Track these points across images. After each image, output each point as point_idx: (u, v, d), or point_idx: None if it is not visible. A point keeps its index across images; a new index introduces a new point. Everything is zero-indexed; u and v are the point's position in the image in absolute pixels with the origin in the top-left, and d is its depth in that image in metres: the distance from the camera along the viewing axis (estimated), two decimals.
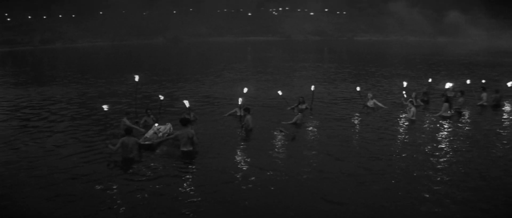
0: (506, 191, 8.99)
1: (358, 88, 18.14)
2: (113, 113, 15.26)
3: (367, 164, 10.60)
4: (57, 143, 12.10)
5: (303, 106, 16.36)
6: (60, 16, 51.64)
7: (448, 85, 18.57)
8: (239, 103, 14.22)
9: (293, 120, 14.43)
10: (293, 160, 10.81)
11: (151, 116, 14.26)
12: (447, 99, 16.19)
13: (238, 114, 14.59)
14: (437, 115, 15.71)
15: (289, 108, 16.33)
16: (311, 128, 14.20)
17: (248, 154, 11.32)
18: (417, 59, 38.83)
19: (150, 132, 12.71)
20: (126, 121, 12.99)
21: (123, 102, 17.98)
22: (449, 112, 15.79)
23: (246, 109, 13.81)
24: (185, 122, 11.59)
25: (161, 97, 15.17)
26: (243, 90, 16.43)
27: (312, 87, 17.36)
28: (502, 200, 8.54)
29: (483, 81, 21.10)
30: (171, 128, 13.13)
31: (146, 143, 11.94)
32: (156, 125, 13.23)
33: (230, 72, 28.74)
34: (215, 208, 8.11)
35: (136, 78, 14.92)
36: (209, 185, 9.11)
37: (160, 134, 12.62)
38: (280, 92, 16.89)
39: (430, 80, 20.30)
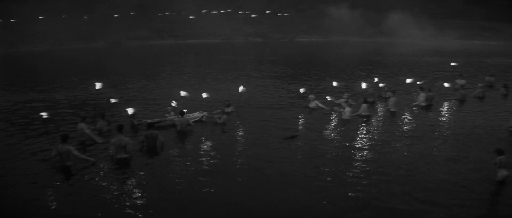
0: (433, 188, 10.01)
1: (301, 90, 18.91)
2: (67, 119, 16.03)
3: (293, 165, 11.46)
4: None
5: (229, 109, 17.68)
6: None
7: (364, 85, 19.72)
8: (173, 105, 15.37)
9: (221, 120, 15.85)
10: (220, 162, 11.72)
11: (106, 120, 14.93)
12: (366, 100, 17.62)
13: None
14: (356, 114, 16.69)
15: (214, 112, 17.02)
16: (236, 131, 15.02)
17: (182, 158, 12.25)
18: (357, 59, 40.33)
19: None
20: (84, 126, 13.66)
21: (72, 108, 18.63)
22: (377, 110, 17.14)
23: (181, 112, 15.18)
24: (120, 129, 12.62)
25: (113, 101, 16.22)
26: (180, 93, 17.10)
27: (240, 89, 18.19)
28: (428, 196, 9.71)
29: (419, 82, 22.57)
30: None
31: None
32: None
33: (170, 75, 29.42)
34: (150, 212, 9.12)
35: (98, 86, 15.80)
36: (143, 191, 10.00)
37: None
38: (204, 95, 17.20)
39: (376, 80, 20.96)
